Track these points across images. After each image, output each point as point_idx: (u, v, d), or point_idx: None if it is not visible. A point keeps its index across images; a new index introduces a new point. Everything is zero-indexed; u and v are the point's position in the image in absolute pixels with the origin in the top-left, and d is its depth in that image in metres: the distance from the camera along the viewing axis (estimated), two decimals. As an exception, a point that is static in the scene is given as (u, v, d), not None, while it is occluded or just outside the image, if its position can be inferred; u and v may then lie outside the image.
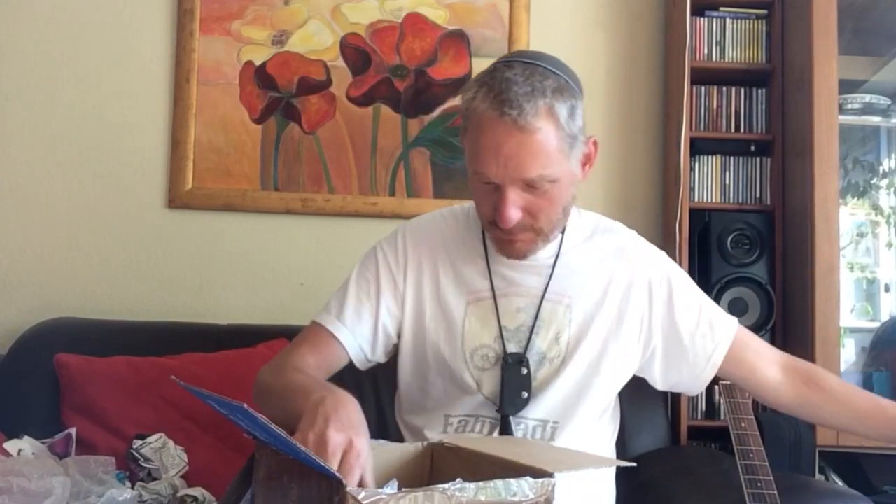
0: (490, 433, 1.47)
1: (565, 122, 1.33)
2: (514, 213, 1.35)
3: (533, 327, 1.47)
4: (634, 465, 1.30)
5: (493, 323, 1.48)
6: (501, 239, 1.42)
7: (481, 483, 0.94)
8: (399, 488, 0.94)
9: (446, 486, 0.92)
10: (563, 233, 1.51)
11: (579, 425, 1.49)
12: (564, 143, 1.34)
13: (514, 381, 1.45)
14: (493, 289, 1.49)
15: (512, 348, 1.47)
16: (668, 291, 1.53)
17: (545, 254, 1.49)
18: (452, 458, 1.18)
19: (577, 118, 1.36)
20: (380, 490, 0.91)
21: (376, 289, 1.51)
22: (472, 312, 1.49)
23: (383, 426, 1.77)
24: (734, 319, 1.56)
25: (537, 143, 1.31)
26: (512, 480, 0.95)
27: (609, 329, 1.49)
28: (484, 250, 1.51)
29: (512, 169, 1.32)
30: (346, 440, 1.05)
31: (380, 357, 1.54)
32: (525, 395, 1.45)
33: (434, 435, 1.46)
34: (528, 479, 0.96)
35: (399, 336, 1.53)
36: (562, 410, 1.48)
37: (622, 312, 1.50)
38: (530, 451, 1.12)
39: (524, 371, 1.46)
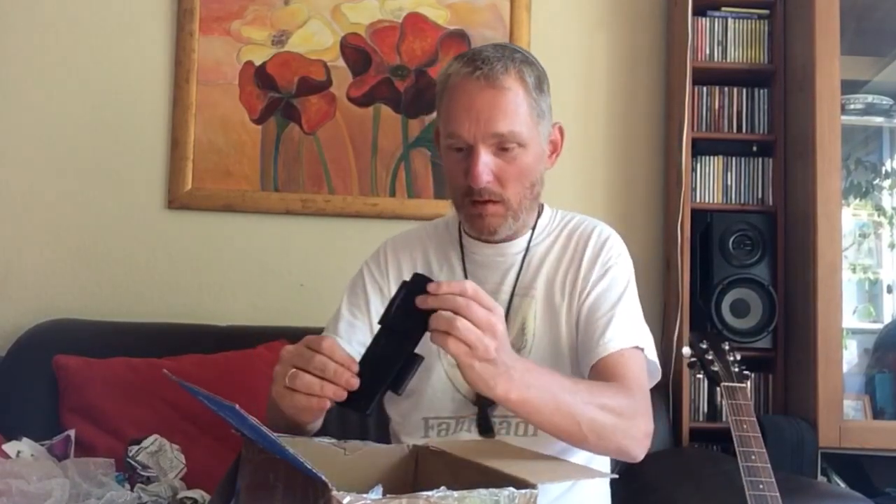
0: (468, 429, 1.47)
1: (533, 89, 1.42)
2: (485, 172, 1.39)
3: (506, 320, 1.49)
4: (616, 476, 1.30)
5: None
6: (472, 214, 1.46)
7: (464, 492, 0.93)
8: (383, 493, 0.94)
9: (430, 493, 0.92)
10: (533, 229, 1.56)
11: None
12: (533, 110, 1.42)
13: None
14: (465, 273, 1.54)
15: None
16: (597, 280, 1.51)
17: (514, 249, 1.54)
18: (437, 463, 1.17)
19: (544, 93, 1.45)
20: (364, 495, 0.90)
21: (365, 300, 1.56)
22: None
23: (384, 436, 1.74)
24: (633, 340, 1.46)
25: (508, 101, 1.38)
26: (495, 490, 0.95)
27: (567, 318, 1.51)
28: (460, 250, 1.57)
29: (484, 123, 1.38)
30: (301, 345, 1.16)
31: None
32: None
33: (413, 440, 1.45)
34: (511, 489, 0.96)
35: None
36: None
37: (572, 301, 1.52)
38: (515, 460, 1.12)
39: None
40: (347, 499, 0.88)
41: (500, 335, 1.11)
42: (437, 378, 1.50)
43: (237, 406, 0.99)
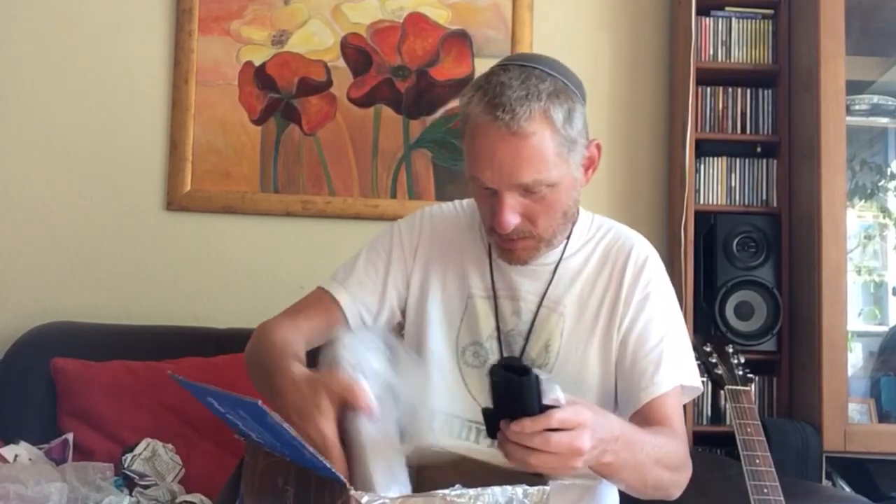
0: (476, 439, 1.44)
1: (562, 126, 1.31)
2: (510, 219, 1.34)
3: (529, 333, 1.45)
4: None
5: (491, 323, 1.47)
6: (501, 246, 1.41)
7: (479, 489, 0.94)
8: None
9: (446, 491, 0.93)
10: (568, 238, 1.49)
11: None
12: (562, 147, 1.32)
13: None
14: (493, 288, 1.48)
15: (504, 352, 1.45)
16: (640, 307, 1.44)
17: (547, 259, 1.47)
18: (441, 462, 1.17)
19: (575, 121, 1.34)
20: (383, 494, 0.90)
21: (386, 261, 1.52)
22: (471, 309, 1.48)
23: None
24: (680, 379, 1.41)
25: (531, 148, 1.29)
26: (508, 487, 0.96)
27: (598, 342, 1.44)
28: (489, 248, 1.50)
29: (507, 174, 1.31)
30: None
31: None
32: None
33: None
34: (524, 486, 0.96)
35: (404, 316, 1.53)
36: None
37: (610, 326, 1.45)
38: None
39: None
40: (366, 498, 0.88)
41: (587, 437, 1.06)
42: (453, 376, 1.47)
43: (260, 402, 0.97)
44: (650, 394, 1.37)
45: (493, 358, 1.44)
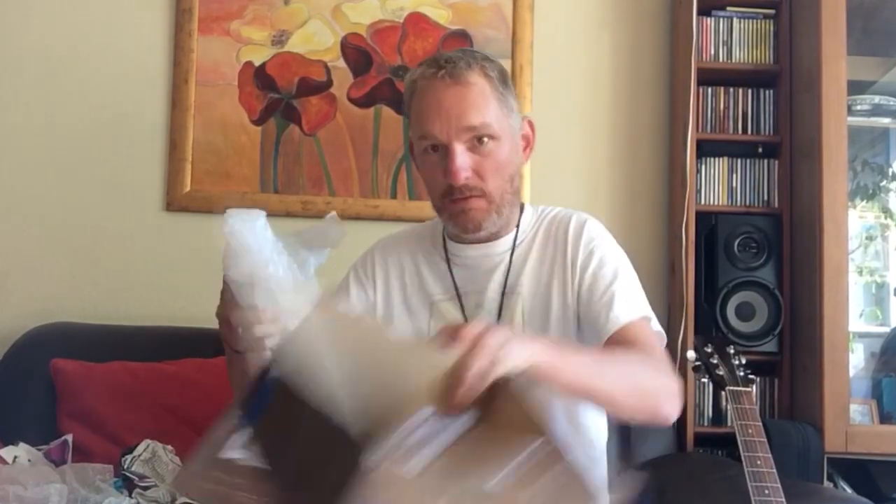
0: None
1: (499, 84, 1.44)
2: (462, 167, 1.41)
3: (497, 321, 1.49)
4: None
5: (458, 319, 1.51)
6: (455, 211, 1.47)
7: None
8: None
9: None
10: (517, 227, 1.56)
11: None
12: (501, 103, 1.44)
13: None
14: (455, 287, 1.54)
15: None
16: (586, 263, 1.50)
17: (499, 248, 1.54)
18: None
19: (509, 88, 1.47)
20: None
21: (346, 298, 1.58)
22: (436, 313, 1.54)
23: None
24: (639, 311, 1.45)
25: (474, 94, 1.41)
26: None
27: (556, 311, 1.50)
28: (445, 253, 1.57)
29: (455, 118, 1.41)
30: None
31: None
32: None
33: None
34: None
35: None
36: None
37: (564, 292, 1.51)
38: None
39: None
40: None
41: (498, 332, 1.00)
42: None
43: None
44: (608, 331, 1.42)
45: None
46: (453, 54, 1.45)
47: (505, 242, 1.55)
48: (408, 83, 1.49)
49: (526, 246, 1.55)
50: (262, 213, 1.12)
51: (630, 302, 1.46)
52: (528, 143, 1.54)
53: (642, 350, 1.38)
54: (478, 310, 1.52)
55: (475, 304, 1.52)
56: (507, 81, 1.48)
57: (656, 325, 1.49)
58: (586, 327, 1.48)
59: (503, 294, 1.52)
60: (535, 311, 1.51)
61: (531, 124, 1.55)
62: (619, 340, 1.41)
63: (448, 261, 1.56)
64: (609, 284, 1.47)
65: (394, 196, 2.63)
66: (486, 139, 1.42)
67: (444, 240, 1.58)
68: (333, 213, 1.25)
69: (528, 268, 1.53)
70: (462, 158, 1.41)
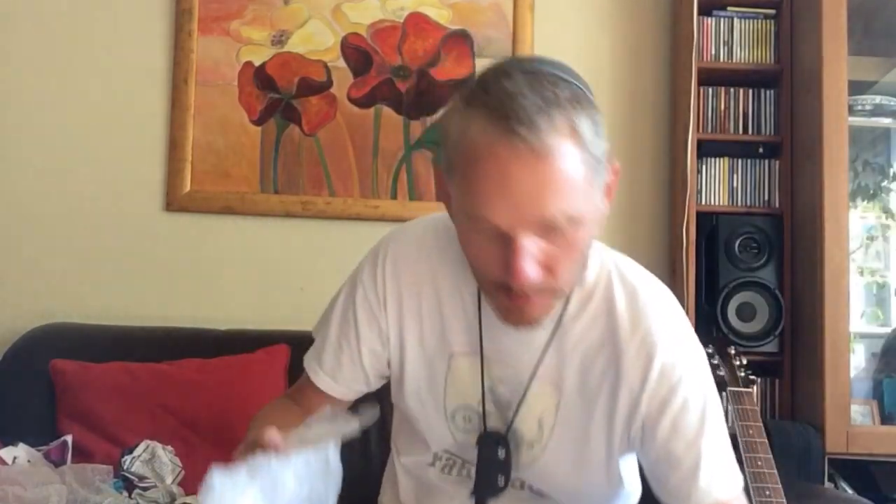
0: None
1: (590, 142, 1.02)
2: (532, 268, 1.03)
3: (519, 406, 1.23)
4: None
5: (478, 387, 1.25)
6: (510, 307, 1.10)
7: None
8: None
9: None
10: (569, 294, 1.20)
11: None
12: (590, 168, 1.03)
13: (492, 464, 1.25)
14: (481, 346, 1.23)
15: (492, 422, 1.25)
16: (666, 399, 1.17)
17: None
18: None
19: (601, 136, 1.05)
20: None
21: (356, 334, 1.29)
22: (455, 366, 1.25)
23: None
24: (733, 481, 1.18)
25: (558, 171, 0.99)
26: None
27: (602, 421, 1.21)
28: (478, 298, 1.22)
29: (527, 207, 1.00)
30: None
31: (378, 385, 1.36)
32: (502, 480, 1.25)
33: (415, 460, 1.36)
34: None
35: (389, 366, 1.33)
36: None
37: (613, 404, 1.20)
38: None
39: (501, 454, 1.24)
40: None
41: None
42: (444, 436, 1.31)
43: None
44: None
45: (489, 422, 1.26)
46: (530, 100, 0.99)
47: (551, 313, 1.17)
48: (455, 126, 1.05)
49: (580, 327, 1.21)
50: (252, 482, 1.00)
51: (722, 467, 1.16)
52: (609, 193, 1.12)
53: None
54: (500, 385, 1.24)
55: (499, 376, 1.23)
56: (598, 129, 1.04)
57: (739, 476, 1.20)
58: (652, 482, 1.21)
59: (532, 377, 1.21)
60: (573, 417, 1.22)
61: (617, 172, 1.13)
62: None
63: (480, 306, 1.21)
64: (693, 440, 1.15)
65: (394, 196, 2.63)
66: (563, 225, 1.02)
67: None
68: (328, 407, 1.11)
69: (576, 358, 1.21)
70: (530, 254, 1.02)
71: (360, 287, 1.29)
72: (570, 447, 1.23)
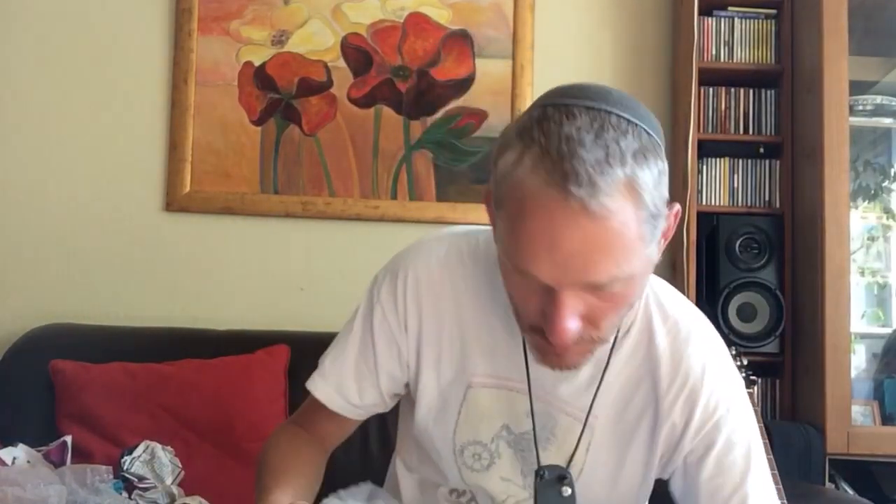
0: None
1: (650, 198, 0.93)
2: (572, 325, 0.97)
3: (547, 442, 1.18)
4: None
5: (497, 421, 1.19)
6: (546, 350, 1.04)
7: None
8: None
9: None
10: (615, 337, 1.14)
11: None
12: (647, 225, 0.94)
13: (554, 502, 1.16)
14: (528, 381, 1.15)
15: (518, 460, 1.20)
16: (710, 437, 1.14)
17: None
18: None
19: (663, 186, 0.97)
20: None
21: (374, 361, 1.22)
22: (472, 398, 1.19)
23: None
24: None
25: (612, 234, 0.91)
26: None
27: (638, 462, 1.18)
28: (521, 337, 1.13)
29: (574, 271, 0.93)
30: None
31: (393, 404, 1.31)
32: None
33: (422, 478, 1.30)
34: None
35: (406, 388, 1.28)
36: None
37: (652, 441, 1.17)
38: None
39: (566, 492, 1.15)
40: None
41: None
42: (450, 478, 1.25)
43: None
44: None
45: (501, 462, 1.20)
46: (591, 155, 0.89)
47: (599, 351, 1.10)
48: (505, 169, 0.95)
49: (619, 364, 1.16)
50: None
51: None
52: (665, 237, 1.01)
53: None
54: (525, 419, 1.17)
55: (524, 410, 1.17)
56: (662, 179, 0.96)
57: None
58: None
59: (585, 422, 1.16)
60: (605, 457, 1.17)
61: (677, 216, 1.03)
62: None
63: (525, 342, 1.12)
64: (740, 481, 1.12)
65: (394, 197, 2.62)
66: (614, 285, 0.96)
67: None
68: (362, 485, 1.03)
69: (613, 393, 1.16)
70: (573, 310, 0.96)
71: (378, 308, 1.21)
72: (599, 488, 1.19)
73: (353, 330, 1.24)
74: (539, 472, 1.16)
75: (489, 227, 1.07)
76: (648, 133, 0.96)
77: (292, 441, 1.26)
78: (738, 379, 1.20)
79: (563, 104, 0.95)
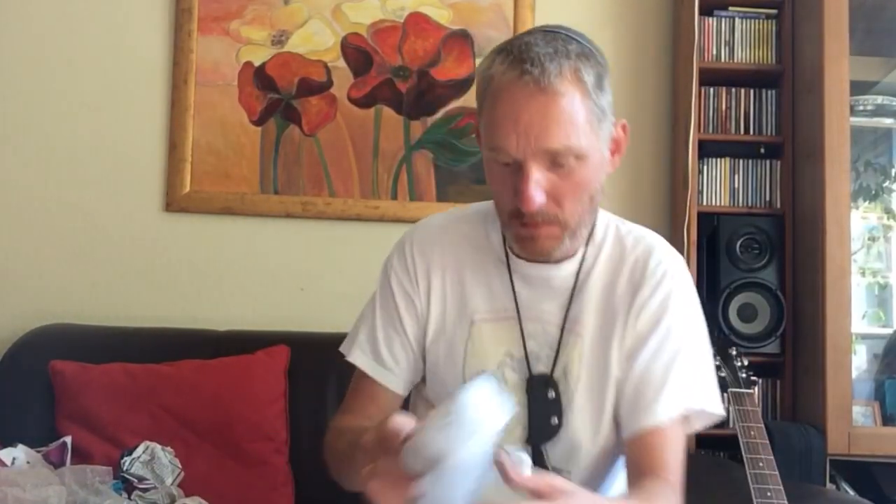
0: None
1: (593, 90, 1.19)
2: (537, 193, 1.17)
3: (555, 358, 1.31)
4: None
5: (500, 348, 1.33)
6: (523, 235, 1.25)
7: None
8: None
9: None
10: (586, 245, 1.34)
11: (593, 473, 1.34)
12: (592, 114, 1.19)
13: (543, 405, 1.30)
14: (517, 307, 1.32)
15: (518, 377, 1.32)
16: (653, 322, 1.30)
17: (565, 271, 1.32)
18: None
19: (605, 90, 1.22)
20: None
21: (399, 319, 1.37)
22: (476, 333, 1.34)
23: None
24: (682, 406, 1.27)
25: (562, 109, 1.16)
26: None
27: (614, 365, 1.30)
28: (507, 269, 1.34)
29: (534, 137, 1.16)
30: None
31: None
32: (555, 420, 1.30)
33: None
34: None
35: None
36: (571, 453, 1.32)
37: (621, 351, 1.31)
38: None
39: (552, 394, 1.30)
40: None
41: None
42: None
43: None
44: (642, 423, 1.25)
45: (508, 388, 1.31)
46: (542, 49, 1.17)
47: (571, 264, 1.32)
48: (482, 74, 1.23)
49: (596, 276, 1.33)
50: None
51: (680, 394, 1.26)
52: (617, 148, 1.29)
53: (668, 485, 1.20)
54: (529, 342, 1.32)
55: (528, 333, 1.32)
56: (603, 84, 1.22)
57: (711, 404, 1.30)
58: (624, 401, 1.29)
59: (563, 329, 1.31)
60: (594, 359, 1.31)
61: (625, 128, 1.30)
62: (647, 446, 1.24)
63: (511, 277, 1.33)
64: (666, 367, 1.27)
65: (394, 197, 2.62)
66: (568, 159, 1.18)
67: (505, 251, 1.34)
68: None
69: (593, 303, 1.32)
70: (537, 181, 1.17)
71: (393, 275, 1.39)
72: (591, 396, 1.30)
73: (376, 301, 1.40)
74: (528, 381, 1.31)
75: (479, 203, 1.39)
76: (592, 50, 1.24)
77: (349, 424, 1.32)
78: (690, 291, 1.37)
79: (525, 31, 1.29)
